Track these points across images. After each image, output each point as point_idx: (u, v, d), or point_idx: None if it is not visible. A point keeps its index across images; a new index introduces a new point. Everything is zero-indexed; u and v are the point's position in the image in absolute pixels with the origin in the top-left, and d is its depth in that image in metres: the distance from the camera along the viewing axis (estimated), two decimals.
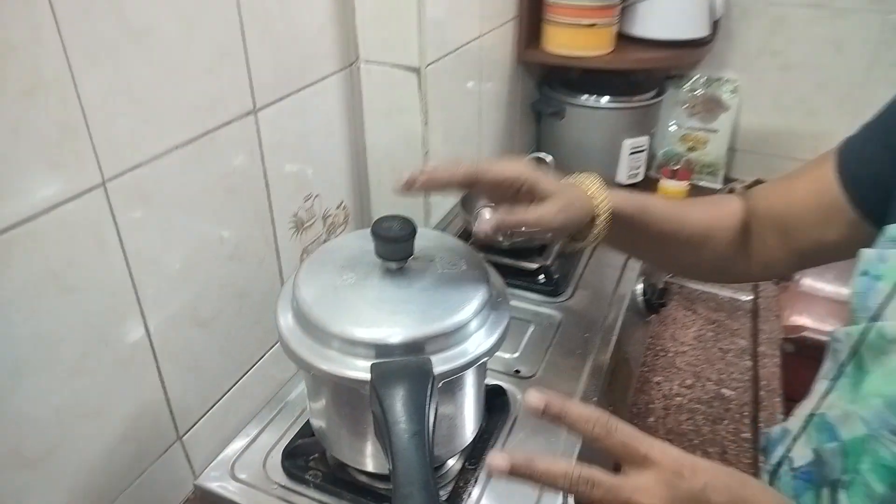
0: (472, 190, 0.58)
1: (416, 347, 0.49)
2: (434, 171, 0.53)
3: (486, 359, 0.52)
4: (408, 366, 0.48)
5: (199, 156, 0.64)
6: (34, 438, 0.54)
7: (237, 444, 0.63)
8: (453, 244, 0.60)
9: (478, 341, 0.51)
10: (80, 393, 0.57)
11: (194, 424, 0.71)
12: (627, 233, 0.60)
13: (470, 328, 0.51)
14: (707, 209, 0.65)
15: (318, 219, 0.85)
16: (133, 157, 0.57)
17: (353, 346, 0.49)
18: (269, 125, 0.72)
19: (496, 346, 0.52)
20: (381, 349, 0.49)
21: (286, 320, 0.53)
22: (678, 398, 0.89)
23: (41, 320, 0.52)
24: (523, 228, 0.53)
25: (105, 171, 0.55)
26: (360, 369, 0.48)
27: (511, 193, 0.55)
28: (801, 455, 0.60)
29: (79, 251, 0.54)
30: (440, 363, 0.49)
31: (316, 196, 0.83)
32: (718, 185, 1.42)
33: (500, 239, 0.55)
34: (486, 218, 0.52)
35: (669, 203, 0.64)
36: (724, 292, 1.10)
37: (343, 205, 0.90)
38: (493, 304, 0.55)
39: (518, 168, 0.54)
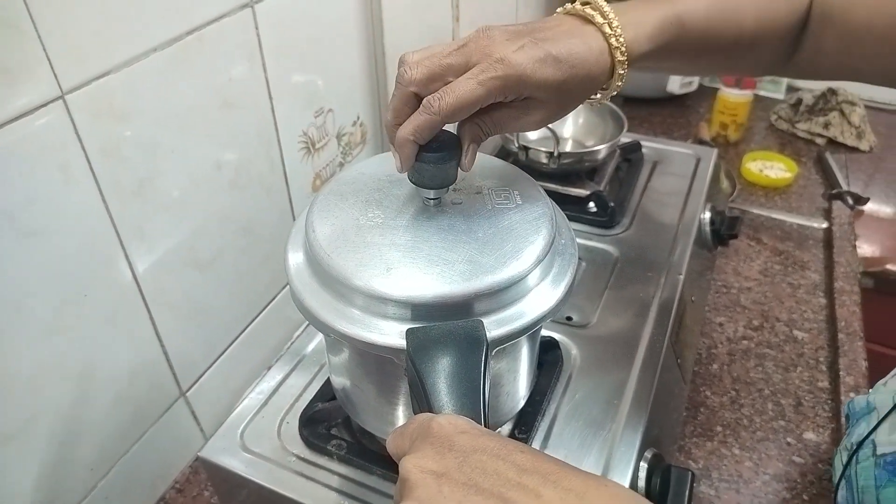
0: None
1: (463, 307, 0.38)
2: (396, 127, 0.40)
3: (550, 318, 0.41)
4: (454, 331, 0.37)
5: (184, 61, 0.52)
6: (8, 409, 0.47)
7: (248, 408, 0.54)
8: (503, 169, 0.48)
9: (540, 297, 0.41)
10: (59, 354, 0.49)
11: (199, 378, 0.63)
12: (657, 64, 0.48)
13: (530, 281, 0.40)
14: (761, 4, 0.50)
15: (332, 138, 0.74)
16: (99, 63, 0.46)
17: (382, 304, 0.39)
18: (270, 23, 0.60)
19: (562, 302, 0.42)
20: (419, 309, 0.38)
21: (298, 269, 0.43)
22: (744, 342, 0.78)
23: None
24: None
25: (62, 80, 0.43)
26: (392, 335, 0.38)
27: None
28: (888, 441, 0.52)
29: (37, 184, 0.43)
30: (494, 326, 0.39)
31: (328, 111, 0.72)
32: (782, 96, 1.28)
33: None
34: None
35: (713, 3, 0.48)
36: (793, 219, 0.97)
37: (360, 121, 0.78)
38: (558, 247, 0.43)
39: (480, 87, 0.38)
